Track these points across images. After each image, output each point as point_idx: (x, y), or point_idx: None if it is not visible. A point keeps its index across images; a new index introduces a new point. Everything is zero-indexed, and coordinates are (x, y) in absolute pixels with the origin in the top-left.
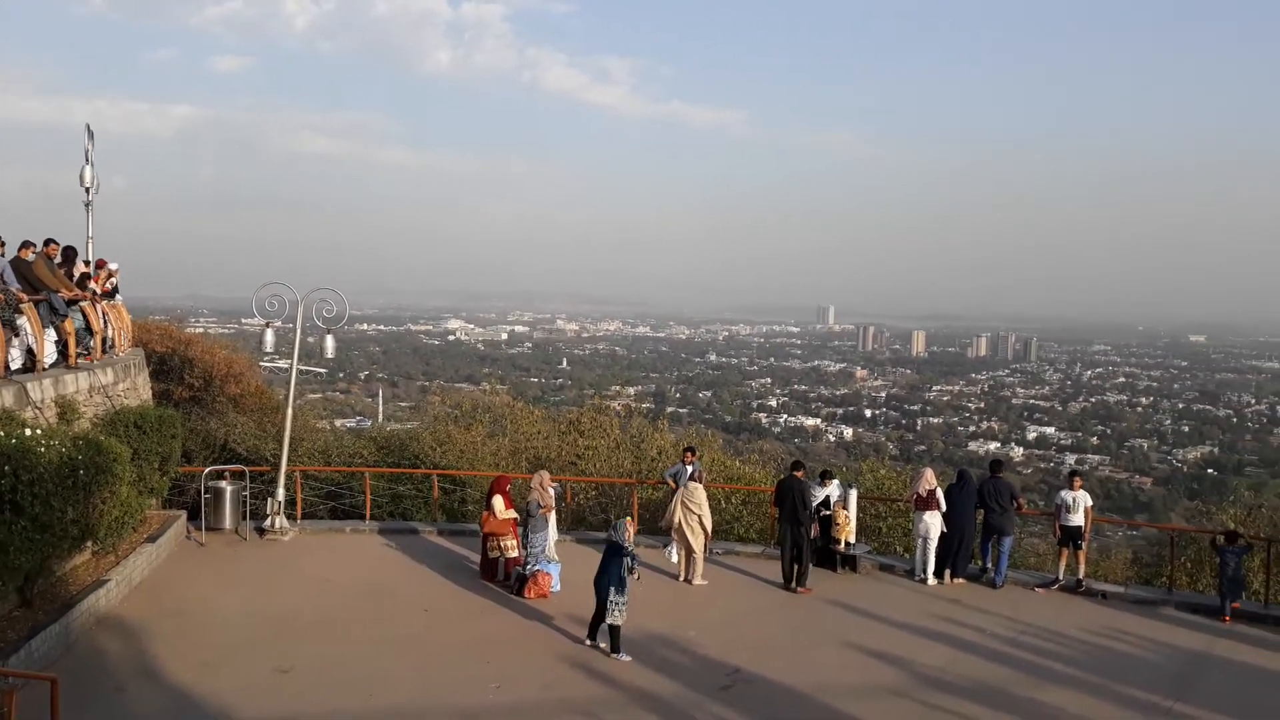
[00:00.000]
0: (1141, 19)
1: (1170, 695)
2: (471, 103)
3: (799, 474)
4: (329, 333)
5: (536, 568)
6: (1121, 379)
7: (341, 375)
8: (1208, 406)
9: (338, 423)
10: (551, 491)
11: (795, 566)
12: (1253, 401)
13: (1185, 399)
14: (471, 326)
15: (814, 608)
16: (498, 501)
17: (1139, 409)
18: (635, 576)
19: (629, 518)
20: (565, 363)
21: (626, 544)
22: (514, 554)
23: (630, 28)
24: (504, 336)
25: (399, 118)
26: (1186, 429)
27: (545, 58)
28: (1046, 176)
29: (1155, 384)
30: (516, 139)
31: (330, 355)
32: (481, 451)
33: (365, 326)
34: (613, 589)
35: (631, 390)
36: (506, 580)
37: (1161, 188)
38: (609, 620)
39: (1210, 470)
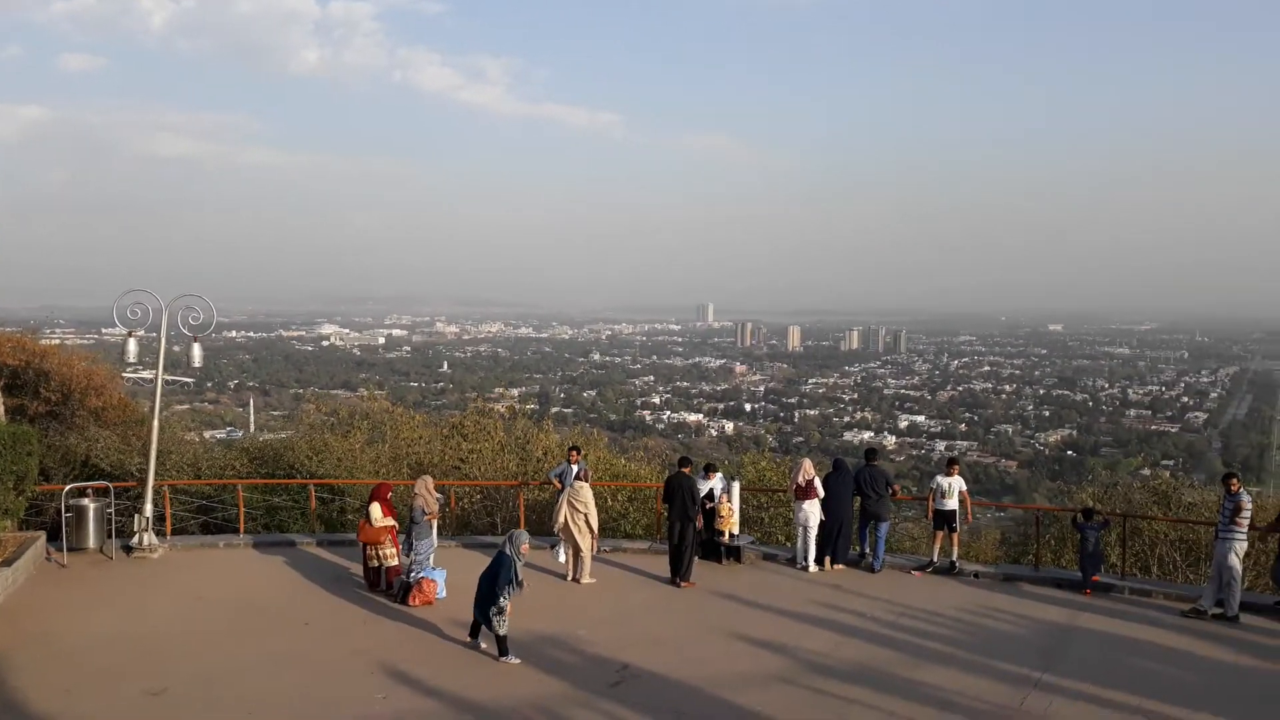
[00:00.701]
0: (972, 21)
1: (1038, 667)
2: (342, 103)
3: (686, 470)
4: (195, 341)
5: (421, 575)
6: (986, 368)
7: (210, 385)
8: (1066, 392)
9: (207, 434)
10: (436, 497)
11: (680, 560)
12: (1106, 386)
13: (1045, 385)
14: (347, 331)
15: (700, 600)
16: (374, 509)
17: (1003, 396)
18: (520, 588)
19: (527, 538)
20: (446, 366)
21: (518, 558)
22: (394, 562)
23: (504, 28)
24: (381, 341)
25: (266, 119)
26: (1047, 414)
27: (417, 57)
28: (910, 174)
29: (1018, 372)
30: (390, 140)
31: (197, 364)
32: (360, 459)
33: (234, 334)
34: (500, 596)
35: (516, 392)
36: (390, 589)
37: (1015, 183)
38: (494, 631)
39: (1070, 452)
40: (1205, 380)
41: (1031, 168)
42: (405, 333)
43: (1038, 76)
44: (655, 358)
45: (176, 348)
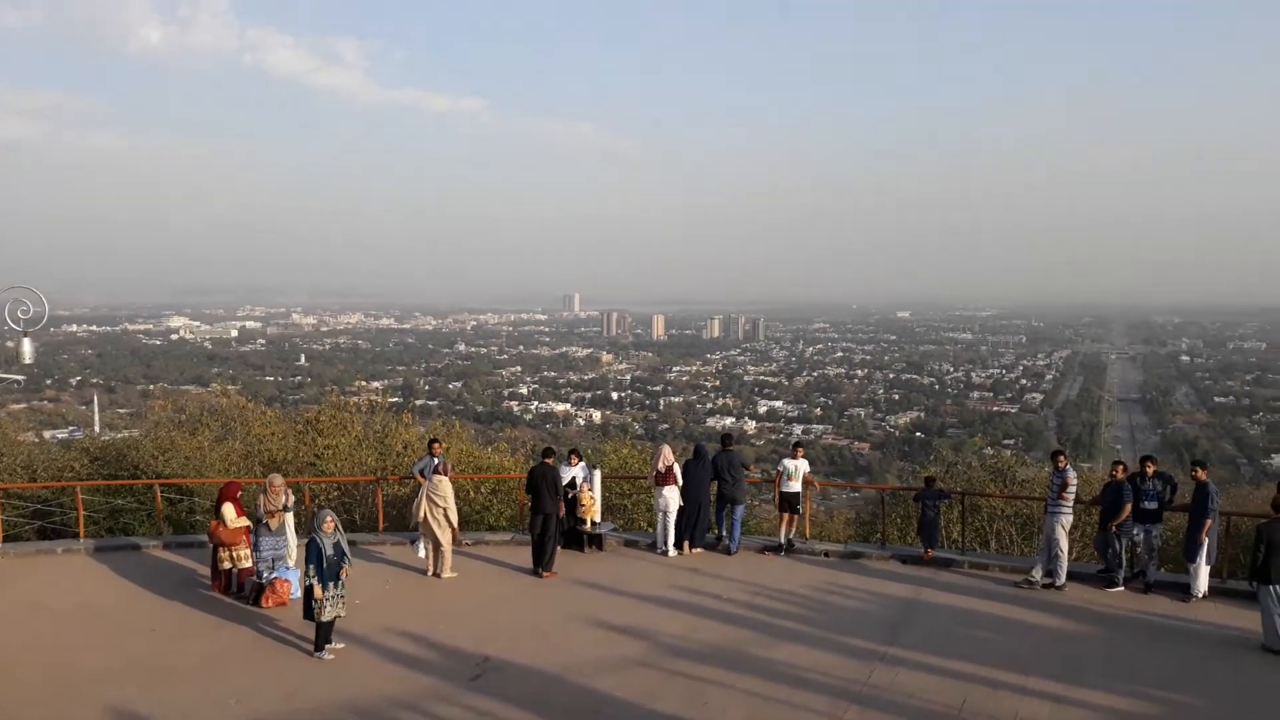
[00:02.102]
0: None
1: (885, 641)
2: (188, 86)
3: (550, 461)
4: (25, 336)
5: (274, 575)
6: (840, 354)
7: (50, 382)
8: (914, 376)
9: (47, 434)
10: (286, 496)
11: (542, 552)
12: (951, 369)
13: (895, 370)
14: (197, 324)
15: (561, 589)
16: (228, 509)
17: (856, 380)
18: (344, 573)
19: (330, 513)
20: (304, 359)
21: (321, 535)
22: (247, 564)
23: (360, 9)
24: (234, 334)
25: (104, 100)
26: (897, 397)
27: (269, 39)
28: (766, 168)
29: (869, 357)
30: (241, 125)
31: (28, 360)
32: (210, 457)
33: (75, 327)
34: (310, 580)
35: (377, 385)
36: (241, 592)
37: (864, 177)
38: (317, 618)
39: (918, 433)
40: (1041, 363)
41: (878, 160)
42: (259, 325)
43: (881, 73)
44: (522, 348)
45: (10, 343)
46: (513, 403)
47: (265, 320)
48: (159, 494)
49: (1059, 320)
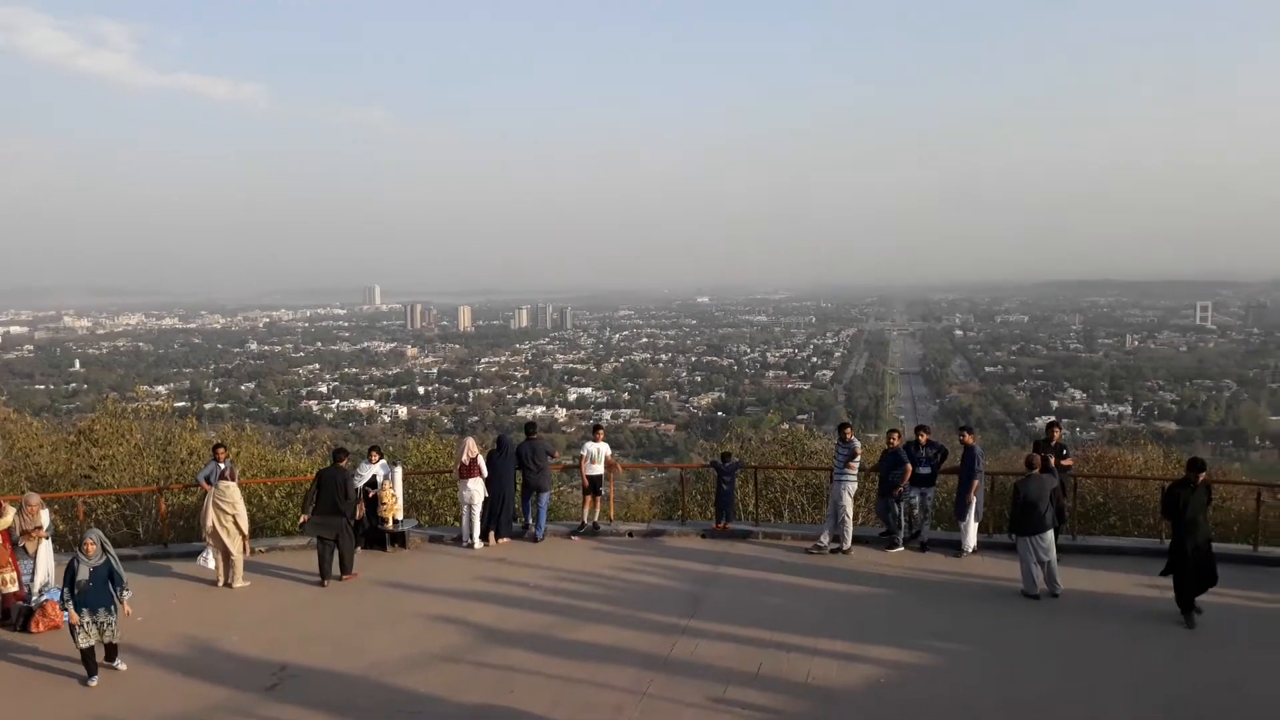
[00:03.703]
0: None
1: (686, 615)
2: None
3: (343, 462)
4: None
5: (45, 598)
6: (645, 339)
7: None
8: (714, 358)
9: None
10: (44, 515)
11: (336, 556)
12: (749, 351)
13: (697, 353)
14: None
15: (363, 591)
16: None
17: (660, 365)
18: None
19: (94, 534)
20: (79, 364)
21: (80, 558)
22: (13, 588)
23: None
24: None
25: None
26: (699, 378)
27: (25, 18)
28: (563, 157)
29: (672, 341)
30: None
31: None
32: None
33: None
34: (70, 609)
35: (163, 389)
36: (8, 619)
37: (651, 169)
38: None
39: (720, 413)
40: (830, 341)
41: (667, 152)
42: (26, 329)
43: (675, 70)
44: (320, 344)
45: None
46: (312, 402)
47: (33, 324)
48: None
49: (846, 301)
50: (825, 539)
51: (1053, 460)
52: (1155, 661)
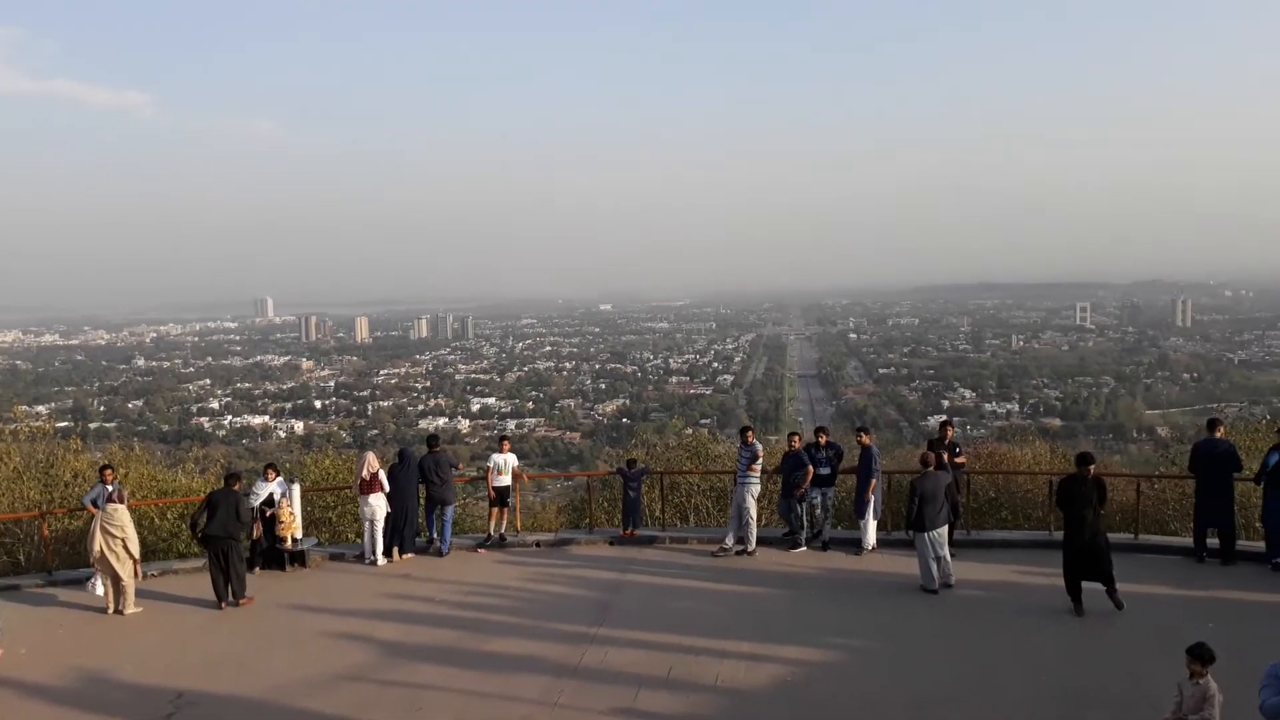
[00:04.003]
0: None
1: (594, 623)
2: None
3: (236, 485)
4: None
5: None
6: (548, 348)
7: None
8: (618, 365)
9: None
10: None
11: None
12: (651, 357)
13: (600, 360)
14: None
15: (262, 614)
16: None
17: (564, 373)
18: None
19: None
20: None
21: None
22: None
23: None
24: None
25: None
26: (603, 386)
27: None
28: (448, 164)
29: (575, 349)
30: None
31: None
32: None
33: None
34: None
35: (43, 409)
36: None
37: (554, 180)
38: None
39: (625, 419)
40: (730, 347)
41: (563, 164)
42: None
43: (513, 71)
44: (211, 359)
45: None
46: (203, 419)
47: None
48: None
49: (744, 307)
50: (730, 541)
51: (946, 457)
52: (1050, 651)
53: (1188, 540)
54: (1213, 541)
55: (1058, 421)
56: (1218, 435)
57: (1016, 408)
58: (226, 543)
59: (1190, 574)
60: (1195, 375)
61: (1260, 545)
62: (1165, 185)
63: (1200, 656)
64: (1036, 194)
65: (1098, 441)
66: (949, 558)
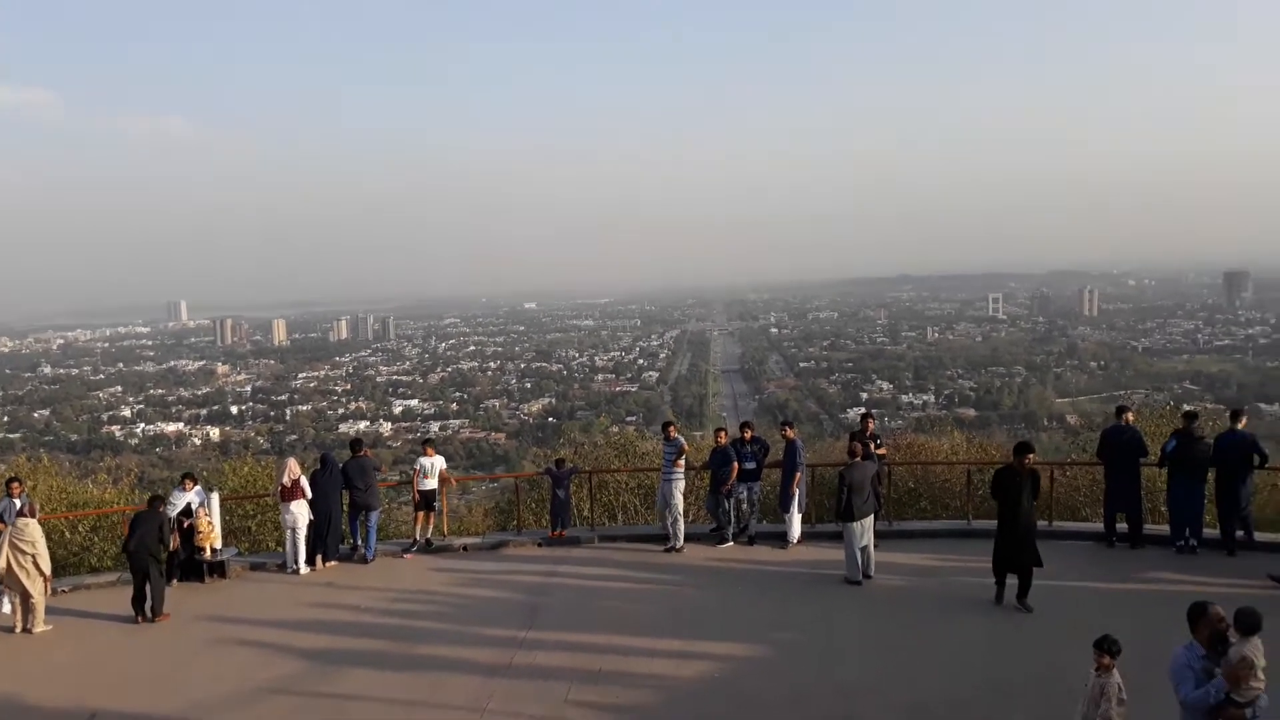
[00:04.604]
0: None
1: (524, 626)
2: None
3: (160, 507)
4: None
5: None
6: (472, 347)
7: None
8: (544, 364)
9: None
10: None
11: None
12: (577, 355)
13: (525, 359)
14: None
15: (180, 628)
16: None
17: (489, 373)
18: None
19: None
20: None
21: None
22: None
23: None
24: None
25: None
26: (529, 385)
27: None
28: (364, 165)
29: (500, 349)
30: None
31: None
32: None
33: None
34: None
35: None
36: None
37: (462, 176)
38: None
39: (551, 419)
40: (655, 343)
41: (461, 164)
42: None
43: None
44: (122, 365)
45: None
46: (115, 427)
47: None
48: None
49: (668, 304)
50: (680, 541)
51: (870, 448)
52: (971, 640)
53: (1099, 525)
54: (1122, 526)
55: (972, 411)
56: (1125, 422)
57: (932, 399)
58: (145, 560)
59: (1102, 558)
60: (1102, 363)
61: (1166, 529)
62: (1072, 179)
63: (1108, 649)
64: (952, 188)
65: (1011, 430)
66: (871, 548)
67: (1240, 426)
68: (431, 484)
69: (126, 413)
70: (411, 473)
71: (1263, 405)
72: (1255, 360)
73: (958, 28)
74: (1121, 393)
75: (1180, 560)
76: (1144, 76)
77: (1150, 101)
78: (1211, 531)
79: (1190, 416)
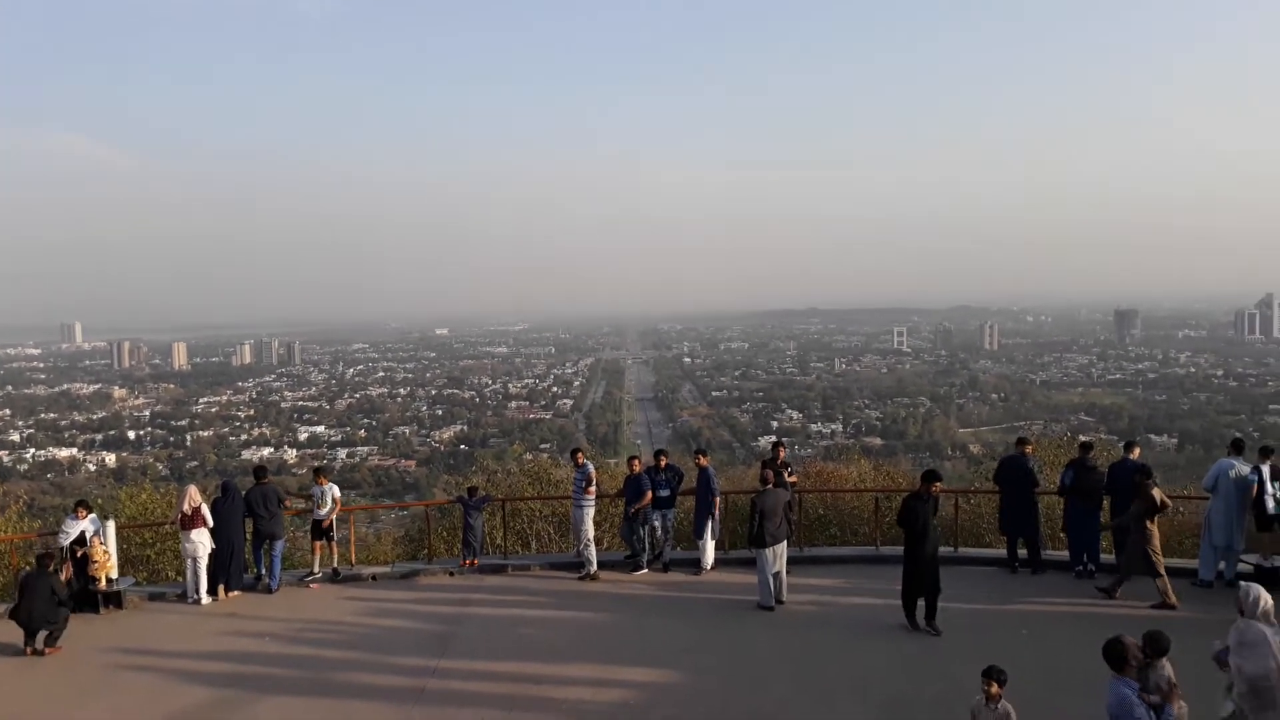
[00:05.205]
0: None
1: (435, 655)
2: None
3: (49, 566)
4: None
5: None
6: (381, 373)
7: None
8: (455, 390)
9: None
10: None
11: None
12: (490, 382)
13: (436, 386)
14: None
15: (76, 659)
16: None
17: (399, 399)
18: None
19: None
20: None
21: None
22: None
23: None
24: None
25: None
26: (440, 412)
27: None
28: (271, 188)
29: (410, 375)
30: None
31: None
32: None
33: None
34: None
35: None
36: None
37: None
38: None
39: (463, 446)
40: (569, 371)
41: (390, 185)
42: None
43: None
44: (11, 388)
45: None
46: (2, 452)
47: None
48: None
49: (582, 331)
50: (593, 567)
51: (782, 476)
52: (879, 663)
53: (1003, 551)
54: (1023, 553)
55: (879, 440)
56: (1023, 453)
57: (840, 428)
58: (40, 626)
59: (1005, 582)
60: (1002, 395)
61: (1066, 554)
62: (973, 217)
63: (997, 678)
64: (859, 224)
65: (916, 459)
66: (784, 573)
67: (1134, 456)
68: (323, 513)
69: (15, 437)
70: (309, 498)
71: (1153, 436)
72: (1145, 394)
73: (864, 65)
74: (1021, 423)
75: (1078, 584)
76: (1031, 120)
77: (1043, 148)
78: (1108, 556)
79: (1085, 447)
